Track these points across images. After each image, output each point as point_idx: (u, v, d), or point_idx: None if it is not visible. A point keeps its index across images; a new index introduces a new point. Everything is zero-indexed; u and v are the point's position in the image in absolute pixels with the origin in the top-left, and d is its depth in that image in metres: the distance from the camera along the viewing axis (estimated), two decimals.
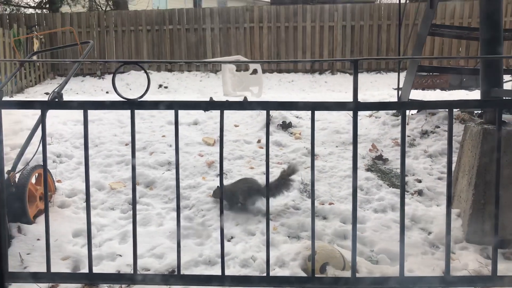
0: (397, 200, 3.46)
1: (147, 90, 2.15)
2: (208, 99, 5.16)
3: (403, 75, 5.48)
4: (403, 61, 8.81)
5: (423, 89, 8.16)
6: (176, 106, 2.15)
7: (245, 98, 5.43)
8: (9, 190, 3.08)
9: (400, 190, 2.22)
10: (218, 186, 3.48)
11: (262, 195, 3.46)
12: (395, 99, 5.86)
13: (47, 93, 9.08)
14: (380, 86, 10.52)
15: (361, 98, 6.37)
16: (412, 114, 4.94)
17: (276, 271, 2.78)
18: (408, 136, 4.52)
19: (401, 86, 5.30)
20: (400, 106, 2.15)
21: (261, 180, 3.59)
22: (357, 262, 2.76)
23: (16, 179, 3.16)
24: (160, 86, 10.85)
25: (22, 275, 2.37)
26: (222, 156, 2.23)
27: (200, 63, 11.47)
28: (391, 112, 5.10)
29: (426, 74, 8.09)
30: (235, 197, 3.45)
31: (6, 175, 3.09)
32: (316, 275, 2.41)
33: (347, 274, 2.53)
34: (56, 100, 3.15)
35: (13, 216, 3.07)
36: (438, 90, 8.35)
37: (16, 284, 2.58)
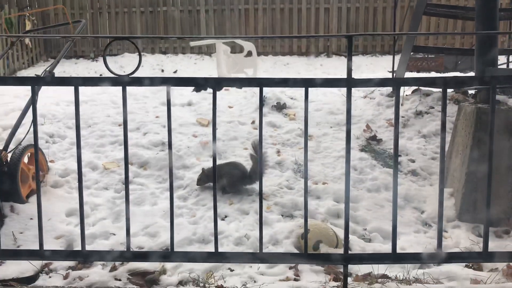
0: (390, 180, 3.47)
1: (138, 66, 2.12)
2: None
3: (398, 58, 5.45)
4: (398, 44, 8.76)
5: (418, 71, 8.13)
6: (169, 82, 2.13)
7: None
8: (1, 169, 3.06)
9: (393, 167, 2.22)
10: (202, 170, 3.48)
11: (247, 182, 3.46)
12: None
13: (37, 75, 8.99)
14: (376, 69, 10.47)
15: None
16: (406, 95, 4.93)
17: (269, 249, 2.80)
18: (402, 117, 4.52)
19: (396, 68, 5.28)
20: (394, 83, 2.14)
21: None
22: (350, 240, 2.78)
23: (8, 159, 3.14)
24: (154, 68, 10.76)
25: (15, 253, 2.37)
26: (215, 134, 2.21)
27: (195, 44, 11.36)
28: (385, 93, 5.09)
29: (421, 56, 8.06)
30: (221, 180, 3.42)
31: None
32: (309, 252, 2.42)
33: (340, 251, 2.54)
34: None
35: (6, 196, 3.06)
36: (433, 73, 8.32)
37: (9, 262, 2.59)
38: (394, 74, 5.20)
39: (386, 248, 2.77)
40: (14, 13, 10.61)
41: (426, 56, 8.31)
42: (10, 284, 2.41)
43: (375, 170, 3.78)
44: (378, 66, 10.55)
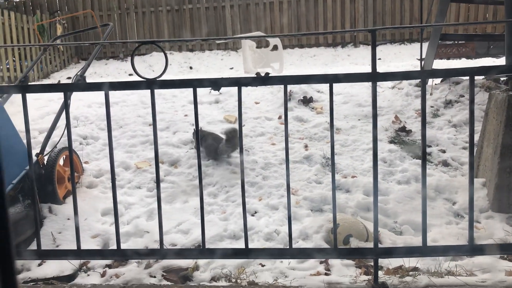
0: (420, 171, 3.44)
1: (165, 69, 2.17)
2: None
3: (426, 45, 5.35)
4: (427, 31, 8.58)
5: (448, 59, 7.95)
6: (194, 83, 2.17)
7: (266, 73, 5.39)
8: (39, 172, 3.18)
9: (421, 158, 2.20)
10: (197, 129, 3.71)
11: (223, 152, 3.84)
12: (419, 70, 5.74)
13: (69, 78, 9.22)
14: (405, 57, 10.30)
15: (385, 69, 6.27)
16: (435, 84, 4.84)
17: (299, 244, 2.82)
18: (432, 107, 4.45)
19: (424, 56, 5.19)
20: (419, 75, 2.12)
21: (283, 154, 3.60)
22: (380, 233, 2.78)
23: (45, 162, 3.26)
24: (182, 66, 10.89)
25: (54, 253, 2.47)
26: (241, 131, 2.25)
27: (221, 41, 11.42)
28: (414, 83, 5.01)
29: (450, 42, 7.89)
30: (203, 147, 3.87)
31: (34, 158, 3.19)
32: (339, 247, 2.44)
33: (370, 245, 2.54)
34: (79, 82, 3.21)
35: (44, 197, 3.18)
36: (463, 59, 8.13)
37: (49, 261, 2.70)
38: (423, 63, 5.11)
39: (417, 240, 2.75)
40: (45, 17, 10.91)
41: (456, 42, 8.12)
42: (51, 283, 2.52)
43: (405, 162, 3.75)
44: (406, 55, 10.38)
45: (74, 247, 2.43)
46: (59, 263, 2.66)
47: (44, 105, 4.79)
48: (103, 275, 2.62)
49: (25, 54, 9.57)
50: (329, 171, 3.66)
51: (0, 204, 0.38)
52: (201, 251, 2.37)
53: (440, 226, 3.02)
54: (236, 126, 4.02)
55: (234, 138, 3.77)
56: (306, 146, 4.07)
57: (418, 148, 3.93)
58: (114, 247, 2.54)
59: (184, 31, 11.88)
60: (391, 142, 4.07)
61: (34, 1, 12.52)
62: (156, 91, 2.19)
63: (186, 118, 4.65)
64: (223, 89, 5.26)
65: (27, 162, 2.51)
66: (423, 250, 2.20)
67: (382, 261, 2.55)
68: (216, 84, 2.29)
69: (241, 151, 2.39)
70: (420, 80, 4.93)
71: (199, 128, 4.07)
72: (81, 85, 2.41)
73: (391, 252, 2.29)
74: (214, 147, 3.84)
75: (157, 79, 2.19)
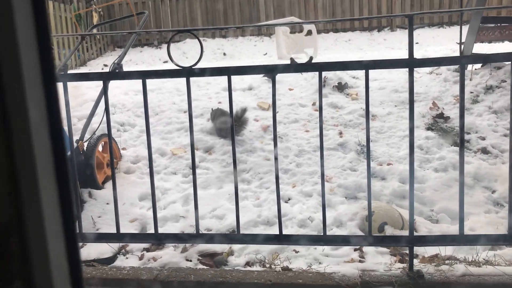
0: (458, 159, 3.37)
1: (200, 58, 2.20)
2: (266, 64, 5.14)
3: (466, 28, 5.18)
4: (467, 13, 8.30)
5: (489, 42, 7.68)
6: (229, 71, 2.19)
7: (311, 58, 5.24)
8: (79, 158, 3.29)
9: (459, 145, 2.16)
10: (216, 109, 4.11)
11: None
12: (458, 55, 5.58)
13: (106, 65, 9.42)
14: (443, 41, 10.00)
15: (422, 54, 6.11)
16: (475, 69, 4.70)
17: (333, 231, 2.82)
18: (471, 92, 4.33)
19: (464, 40, 5.03)
20: (458, 61, 2.06)
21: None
22: (416, 221, 2.75)
23: (84, 148, 3.37)
24: (215, 53, 10.93)
25: (95, 236, 2.56)
26: (275, 118, 2.25)
27: (254, 27, 11.38)
28: (452, 68, 4.88)
29: (492, 25, 7.61)
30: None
31: (75, 144, 3.30)
32: (373, 234, 2.43)
33: (405, 233, 2.52)
34: (117, 71, 3.28)
35: (84, 182, 3.29)
36: (506, 42, 7.83)
37: (89, 244, 2.80)
38: (462, 47, 4.96)
39: (454, 229, 2.71)
40: (82, 6, 11.13)
41: (498, 24, 7.82)
42: (92, 264, 2.61)
43: (442, 149, 3.67)
44: (445, 38, 10.07)
45: (113, 231, 2.52)
46: (99, 246, 2.75)
47: (83, 93, 4.92)
48: (141, 258, 2.70)
49: (63, 42, 9.82)
50: (364, 159, 3.63)
51: (66, 186, 0.40)
52: (235, 236, 2.40)
53: (478, 214, 2.96)
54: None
55: (241, 118, 3.95)
56: (340, 133, 4.04)
57: (456, 135, 3.84)
58: (152, 231, 2.61)
59: (217, 18, 11.90)
60: (428, 129, 3.99)
61: None
62: (191, 79, 2.22)
63: (220, 105, 4.68)
64: (255, 76, 5.26)
65: (68, 148, 2.60)
66: (460, 239, 2.17)
67: (418, 249, 2.52)
68: (248, 71, 2.30)
69: (275, 139, 2.40)
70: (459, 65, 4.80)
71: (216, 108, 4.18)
72: (120, 73, 2.46)
73: (426, 240, 2.26)
74: (225, 126, 3.98)
75: (193, 67, 2.21)
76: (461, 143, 2.10)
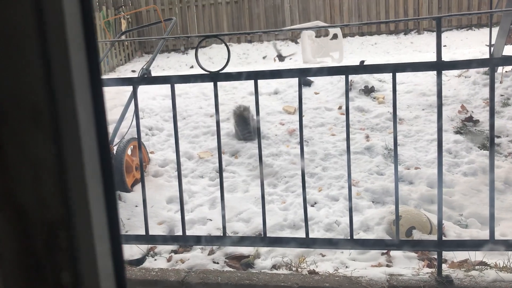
0: (488, 162, 3.31)
1: (227, 63, 2.23)
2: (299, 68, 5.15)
3: (496, 30, 5.08)
4: (497, 15, 8.13)
5: None
6: (255, 76, 2.22)
7: (361, 62, 5.15)
8: None
9: (489, 149, 2.13)
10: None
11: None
12: (487, 57, 5.48)
13: (134, 71, 9.59)
14: (472, 44, 9.82)
15: (450, 57, 6.02)
16: (506, 72, 4.60)
17: (360, 235, 2.81)
18: (502, 95, 4.24)
19: (494, 42, 4.93)
20: (487, 63, 2.04)
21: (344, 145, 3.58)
22: (445, 226, 2.71)
23: (114, 152, 3.44)
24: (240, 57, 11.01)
25: (125, 238, 2.62)
26: (302, 122, 2.26)
27: (279, 32, 11.42)
28: (482, 70, 4.79)
29: None
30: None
31: None
32: (401, 239, 2.41)
33: (434, 238, 2.49)
34: (145, 76, 3.36)
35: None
36: None
37: None
38: (492, 49, 4.87)
39: (484, 234, 2.66)
40: (110, 13, 11.37)
41: None
42: None
43: (471, 153, 3.62)
44: (474, 41, 9.88)
45: (142, 233, 2.57)
46: (128, 247, 2.81)
47: (112, 97, 5.03)
48: (169, 260, 2.74)
49: None
50: (391, 163, 3.60)
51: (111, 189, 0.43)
52: (262, 239, 2.42)
53: (509, 220, 2.90)
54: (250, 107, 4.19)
55: (246, 120, 4.06)
56: (367, 137, 4.01)
57: (486, 138, 3.77)
58: (180, 233, 2.65)
59: (242, 23, 11.98)
60: (457, 132, 3.93)
61: None
62: (217, 83, 2.26)
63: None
64: (281, 80, 5.27)
65: None
66: (491, 244, 2.13)
67: (446, 254, 2.49)
68: (275, 75, 2.32)
69: (301, 142, 2.41)
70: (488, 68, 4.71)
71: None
72: (149, 78, 2.52)
73: (455, 245, 2.23)
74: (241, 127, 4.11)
75: (220, 71, 2.25)
76: (491, 145, 2.07)
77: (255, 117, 4.05)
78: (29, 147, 0.40)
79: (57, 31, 0.39)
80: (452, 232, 2.77)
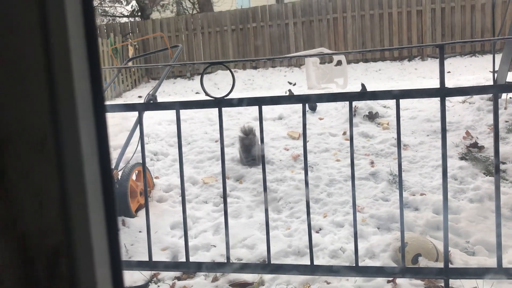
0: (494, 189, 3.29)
1: (232, 89, 2.25)
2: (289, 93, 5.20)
3: (499, 57, 5.12)
4: (500, 42, 8.20)
5: None
6: (260, 102, 2.23)
7: (363, 87, 5.18)
8: (113, 186, 3.37)
9: (494, 175, 2.12)
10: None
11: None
12: (491, 83, 5.50)
13: (140, 96, 9.68)
14: (476, 70, 9.88)
15: (454, 83, 6.06)
16: (510, 98, 4.61)
17: (366, 262, 2.78)
18: (506, 121, 4.24)
19: (497, 69, 4.96)
20: (491, 89, 2.05)
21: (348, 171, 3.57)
22: (451, 253, 2.68)
23: (119, 177, 3.45)
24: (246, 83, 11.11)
25: (127, 264, 2.60)
26: (306, 147, 2.27)
27: (283, 58, 11.53)
28: (486, 97, 4.81)
29: None
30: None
31: None
32: (407, 266, 2.38)
33: (440, 265, 2.46)
34: (151, 102, 3.39)
35: (118, 211, 3.36)
36: None
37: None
38: (496, 76, 4.89)
39: (492, 262, 2.62)
40: (118, 40, 11.56)
41: None
42: None
43: (477, 179, 3.59)
44: (477, 67, 9.95)
45: (146, 259, 2.55)
46: (132, 273, 2.78)
47: (118, 123, 5.07)
48: (172, 286, 2.71)
49: None
50: (396, 188, 3.58)
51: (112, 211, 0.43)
52: (266, 266, 2.40)
53: None
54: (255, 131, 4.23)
55: (251, 145, 4.10)
56: (372, 163, 4.01)
57: (491, 164, 3.76)
58: (183, 259, 2.63)
59: (248, 49, 12.13)
60: (462, 158, 3.92)
61: (108, 25, 13.33)
62: (222, 109, 2.28)
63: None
64: (286, 106, 5.31)
65: None
66: (498, 272, 2.10)
67: (454, 282, 2.45)
68: (279, 101, 2.34)
69: (305, 168, 2.41)
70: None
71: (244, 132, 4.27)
72: (154, 104, 2.54)
73: (463, 273, 2.20)
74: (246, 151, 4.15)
75: (225, 97, 2.27)
76: (497, 171, 2.07)
77: (259, 142, 4.13)
78: (33, 175, 0.41)
79: (63, 62, 0.40)
80: (459, 259, 2.74)
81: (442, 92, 2.03)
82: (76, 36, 0.40)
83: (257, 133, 4.11)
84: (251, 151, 4.07)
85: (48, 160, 0.42)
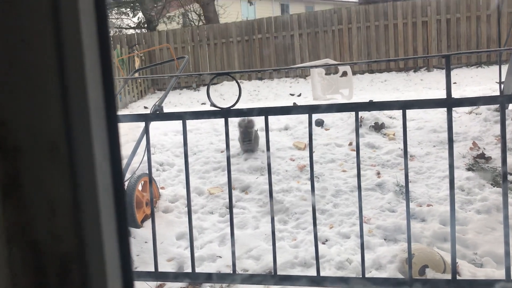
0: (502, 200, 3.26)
1: (238, 99, 2.26)
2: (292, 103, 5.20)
3: (506, 68, 5.11)
4: (507, 52, 8.20)
5: None
6: (265, 112, 2.24)
7: (370, 101, 5.18)
8: None
9: (502, 186, 2.10)
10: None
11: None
12: (497, 94, 5.49)
13: (146, 107, 9.72)
14: (482, 81, 9.87)
15: (461, 94, 6.05)
16: None
17: (372, 274, 2.76)
18: None
19: (504, 79, 4.95)
20: (498, 100, 2.04)
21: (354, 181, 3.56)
22: (459, 265, 2.65)
23: (125, 187, 3.46)
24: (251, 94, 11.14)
25: (135, 274, 2.59)
26: (312, 158, 2.27)
27: (289, 69, 11.57)
28: (493, 107, 4.79)
29: None
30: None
31: None
32: (414, 277, 2.36)
33: (448, 277, 2.43)
34: (157, 112, 3.41)
35: None
36: None
37: None
38: (502, 86, 4.88)
39: (500, 274, 2.59)
40: (125, 51, 11.65)
41: None
42: None
43: (484, 190, 3.57)
44: (484, 78, 9.94)
45: (152, 269, 2.54)
46: (138, 284, 2.78)
47: (124, 133, 5.09)
48: None
49: None
50: (403, 199, 3.57)
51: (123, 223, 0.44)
52: (272, 277, 2.38)
53: None
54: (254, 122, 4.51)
55: (249, 134, 4.39)
56: (378, 173, 3.99)
57: (499, 175, 3.73)
58: (189, 270, 2.62)
59: (253, 60, 12.19)
60: (469, 169, 3.90)
61: (115, 37, 13.45)
62: (228, 119, 2.28)
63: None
64: (292, 116, 5.31)
65: None
66: (507, 284, 2.08)
67: None
68: (285, 112, 2.35)
69: (311, 178, 2.41)
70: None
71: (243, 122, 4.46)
72: (161, 115, 2.55)
73: (471, 285, 2.18)
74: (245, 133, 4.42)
75: (231, 108, 2.28)
76: (504, 182, 2.05)
77: (258, 130, 4.45)
78: (45, 183, 0.41)
79: (76, 70, 0.41)
80: (467, 271, 2.71)
81: (449, 103, 2.03)
82: (90, 46, 0.40)
83: (255, 121, 4.45)
84: (249, 134, 4.39)
85: (61, 168, 0.42)
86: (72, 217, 0.42)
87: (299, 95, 10.25)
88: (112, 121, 0.43)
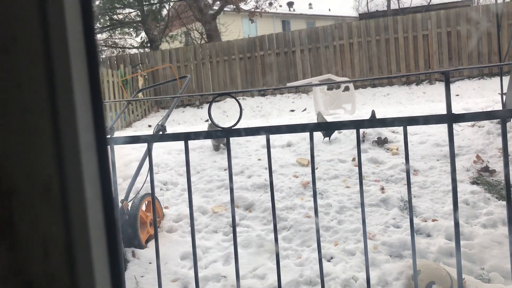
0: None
1: (239, 119, 2.27)
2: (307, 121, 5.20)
3: (507, 79, 5.12)
4: (509, 66, 8.22)
5: None
6: (267, 131, 2.25)
7: (373, 112, 5.15)
8: (123, 218, 3.37)
9: (506, 200, 2.09)
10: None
11: None
12: (500, 106, 5.48)
13: (150, 126, 9.76)
14: (485, 93, 9.87)
15: (463, 106, 6.05)
16: None
17: None
18: None
19: (506, 91, 4.95)
20: (499, 115, 2.04)
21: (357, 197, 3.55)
22: (466, 280, 2.63)
23: (129, 208, 3.46)
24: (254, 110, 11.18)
25: None
26: (315, 174, 2.27)
27: (291, 85, 11.63)
28: (495, 120, 4.79)
29: None
30: None
31: (120, 204, 3.40)
32: None
33: None
34: (160, 132, 3.42)
35: (127, 242, 3.35)
36: None
37: None
38: (504, 99, 4.89)
39: None
40: (128, 70, 11.75)
41: None
42: None
43: (489, 204, 3.55)
44: (486, 90, 9.94)
45: None
46: None
47: (127, 153, 5.11)
48: None
49: (109, 105, 10.33)
50: (407, 215, 3.55)
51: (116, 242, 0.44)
52: None
53: None
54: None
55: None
56: (382, 189, 3.98)
57: (504, 189, 3.71)
58: None
59: (256, 77, 12.25)
60: (473, 183, 3.88)
61: (117, 56, 13.57)
62: (231, 138, 2.29)
63: (260, 162, 4.74)
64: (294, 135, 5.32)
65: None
66: None
67: None
68: (287, 130, 2.36)
69: (314, 195, 2.40)
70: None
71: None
72: (163, 136, 2.57)
73: None
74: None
75: (232, 127, 2.29)
76: (508, 195, 2.04)
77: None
78: (38, 223, 0.42)
79: (68, 113, 0.41)
80: (474, 287, 2.68)
81: (449, 119, 2.03)
82: (81, 90, 0.41)
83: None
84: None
85: (54, 207, 0.43)
86: (66, 257, 0.43)
87: (304, 110, 10.28)
88: (103, 161, 0.44)
